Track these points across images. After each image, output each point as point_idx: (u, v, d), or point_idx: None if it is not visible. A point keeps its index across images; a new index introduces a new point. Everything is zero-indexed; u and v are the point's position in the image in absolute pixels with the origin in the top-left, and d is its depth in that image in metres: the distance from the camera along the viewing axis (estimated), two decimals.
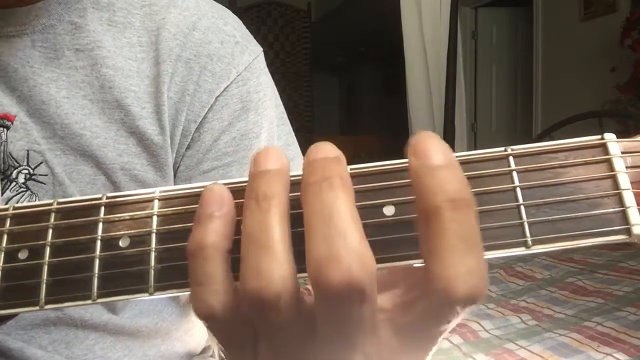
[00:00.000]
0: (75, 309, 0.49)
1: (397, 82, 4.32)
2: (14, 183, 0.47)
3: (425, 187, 0.21)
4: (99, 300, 0.24)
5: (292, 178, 0.23)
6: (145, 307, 0.53)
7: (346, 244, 0.20)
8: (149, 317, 0.53)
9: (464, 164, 0.23)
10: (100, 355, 0.50)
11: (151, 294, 0.24)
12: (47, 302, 0.25)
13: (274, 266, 0.21)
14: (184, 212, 0.25)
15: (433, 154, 0.21)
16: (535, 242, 0.22)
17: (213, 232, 0.23)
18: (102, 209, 0.26)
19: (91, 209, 0.26)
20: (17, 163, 0.47)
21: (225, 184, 0.25)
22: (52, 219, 0.26)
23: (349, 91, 7.54)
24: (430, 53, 3.16)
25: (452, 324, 0.23)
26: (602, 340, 1.40)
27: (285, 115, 0.58)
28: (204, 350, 0.62)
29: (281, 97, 0.59)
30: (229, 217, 0.23)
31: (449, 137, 2.97)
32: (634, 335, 1.42)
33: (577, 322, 1.54)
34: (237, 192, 0.24)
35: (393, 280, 0.25)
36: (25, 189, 0.47)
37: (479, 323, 1.58)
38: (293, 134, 0.59)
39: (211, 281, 0.22)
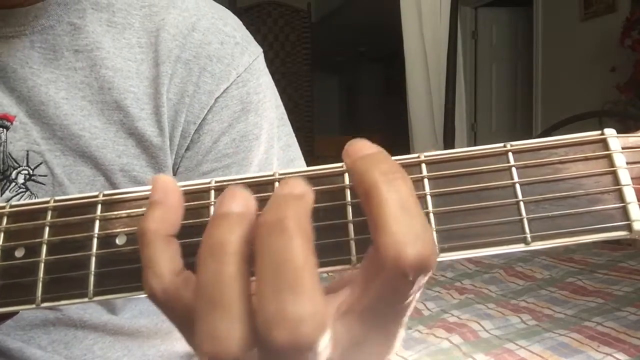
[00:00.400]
0: (75, 309, 0.49)
1: (397, 82, 4.32)
2: (13, 184, 0.47)
3: (360, 170, 0.22)
4: (96, 298, 0.24)
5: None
6: (144, 307, 0.53)
7: (295, 302, 0.19)
8: (148, 318, 0.53)
9: (464, 159, 0.23)
10: (100, 355, 0.50)
11: None
12: (43, 300, 0.25)
13: (231, 329, 0.20)
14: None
15: (363, 147, 0.23)
16: (534, 239, 0.22)
17: (153, 218, 0.23)
18: (99, 206, 0.26)
19: (88, 207, 0.26)
20: (17, 163, 0.47)
21: (217, 182, 0.25)
22: (49, 217, 0.26)
23: (349, 91, 7.55)
24: (430, 53, 3.17)
25: (411, 302, 0.23)
26: (602, 340, 1.40)
27: (285, 116, 0.58)
28: None
29: (281, 97, 0.59)
30: (171, 204, 0.23)
31: (449, 137, 2.97)
32: (634, 335, 1.42)
33: (577, 322, 1.54)
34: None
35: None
36: (24, 190, 0.47)
37: (479, 323, 1.58)
38: (293, 134, 0.58)
39: (152, 265, 0.23)
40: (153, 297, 0.23)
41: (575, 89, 3.89)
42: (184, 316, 0.23)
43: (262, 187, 0.25)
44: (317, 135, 5.01)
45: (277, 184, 0.25)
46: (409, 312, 0.24)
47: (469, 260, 2.23)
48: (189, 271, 0.23)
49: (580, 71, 3.88)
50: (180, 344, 0.56)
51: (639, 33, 3.24)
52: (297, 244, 0.20)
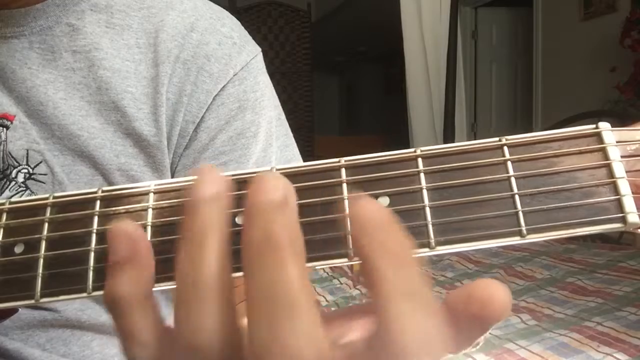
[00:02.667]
0: (72, 310, 0.49)
1: (397, 81, 4.32)
2: (13, 182, 0.47)
3: (366, 246, 0.19)
4: (94, 293, 0.24)
5: (285, 170, 0.23)
6: None
7: (292, 330, 0.17)
8: None
9: (459, 154, 0.23)
10: (98, 352, 0.50)
11: None
12: (42, 296, 0.25)
13: (209, 315, 0.19)
14: (179, 205, 0.25)
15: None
16: (530, 231, 0.22)
17: (125, 281, 0.21)
18: (98, 202, 0.26)
19: (87, 203, 0.26)
20: (17, 162, 0.47)
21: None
22: (48, 213, 0.26)
23: (349, 91, 7.55)
24: (430, 53, 3.17)
25: None
26: (602, 340, 1.40)
27: (283, 117, 0.58)
28: None
29: (281, 97, 0.59)
30: (143, 259, 0.21)
31: (449, 137, 2.97)
32: (634, 335, 1.42)
33: (577, 322, 1.54)
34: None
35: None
36: (24, 188, 0.47)
37: None
38: (291, 135, 0.59)
39: (135, 334, 0.21)
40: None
41: (575, 89, 3.89)
42: None
43: None
44: (317, 135, 5.02)
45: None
46: None
47: (469, 260, 2.23)
48: (169, 325, 0.20)
49: (580, 71, 3.88)
50: None
51: (639, 33, 3.24)
52: (291, 263, 0.18)
